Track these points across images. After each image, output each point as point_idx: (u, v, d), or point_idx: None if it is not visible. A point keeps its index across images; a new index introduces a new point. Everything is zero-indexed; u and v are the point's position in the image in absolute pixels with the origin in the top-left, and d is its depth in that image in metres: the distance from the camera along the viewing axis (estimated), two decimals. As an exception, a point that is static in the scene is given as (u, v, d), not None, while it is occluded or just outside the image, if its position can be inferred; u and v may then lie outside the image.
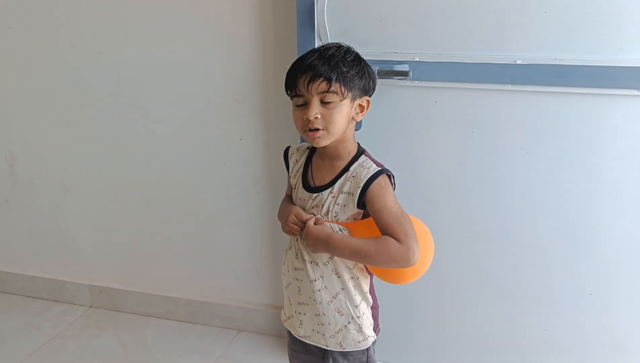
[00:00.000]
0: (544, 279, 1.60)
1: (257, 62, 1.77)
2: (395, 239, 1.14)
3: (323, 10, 1.54)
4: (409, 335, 1.78)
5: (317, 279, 1.24)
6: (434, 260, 1.67)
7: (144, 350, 2.02)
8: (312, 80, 1.12)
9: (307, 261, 1.25)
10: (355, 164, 1.21)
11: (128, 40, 1.91)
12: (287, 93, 1.20)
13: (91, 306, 2.29)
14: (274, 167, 1.87)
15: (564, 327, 1.62)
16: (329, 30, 1.56)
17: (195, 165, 1.98)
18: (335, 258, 1.22)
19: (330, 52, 1.15)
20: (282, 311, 1.39)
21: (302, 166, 1.28)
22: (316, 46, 1.55)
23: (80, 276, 2.29)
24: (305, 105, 1.15)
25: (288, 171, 1.32)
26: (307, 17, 1.57)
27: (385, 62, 1.52)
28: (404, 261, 1.14)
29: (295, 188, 1.29)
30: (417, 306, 1.75)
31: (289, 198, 1.33)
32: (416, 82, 1.53)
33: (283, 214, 1.28)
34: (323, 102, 1.14)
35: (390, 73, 1.52)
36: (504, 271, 1.62)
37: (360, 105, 1.21)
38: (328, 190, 1.21)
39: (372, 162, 1.22)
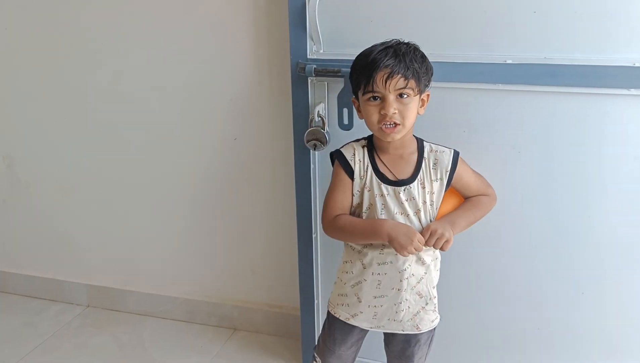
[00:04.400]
0: (536, 278, 1.60)
1: (250, 62, 1.78)
2: (484, 194, 1.37)
3: (314, 11, 1.54)
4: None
5: (406, 268, 1.33)
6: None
7: (141, 349, 2.03)
8: (390, 77, 1.19)
9: (395, 253, 1.30)
10: (426, 151, 1.33)
11: (125, 42, 1.92)
12: (354, 90, 1.27)
13: (88, 306, 2.31)
14: (268, 167, 1.89)
15: (557, 326, 1.62)
16: (321, 30, 1.56)
17: (190, 165, 1.99)
18: None
19: (402, 50, 1.22)
20: (338, 311, 1.42)
21: (369, 163, 1.32)
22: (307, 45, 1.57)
23: (78, 276, 2.30)
24: (379, 100, 1.22)
25: (351, 176, 1.32)
26: (298, 18, 1.57)
27: (376, 62, 1.53)
28: (493, 205, 1.41)
29: (368, 186, 1.31)
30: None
31: (357, 216, 1.35)
32: (407, 82, 1.54)
33: (402, 236, 1.25)
34: (398, 98, 1.21)
35: (381, 73, 1.52)
36: (496, 270, 1.63)
37: (422, 99, 1.28)
38: (415, 182, 1.30)
39: (438, 146, 1.34)
